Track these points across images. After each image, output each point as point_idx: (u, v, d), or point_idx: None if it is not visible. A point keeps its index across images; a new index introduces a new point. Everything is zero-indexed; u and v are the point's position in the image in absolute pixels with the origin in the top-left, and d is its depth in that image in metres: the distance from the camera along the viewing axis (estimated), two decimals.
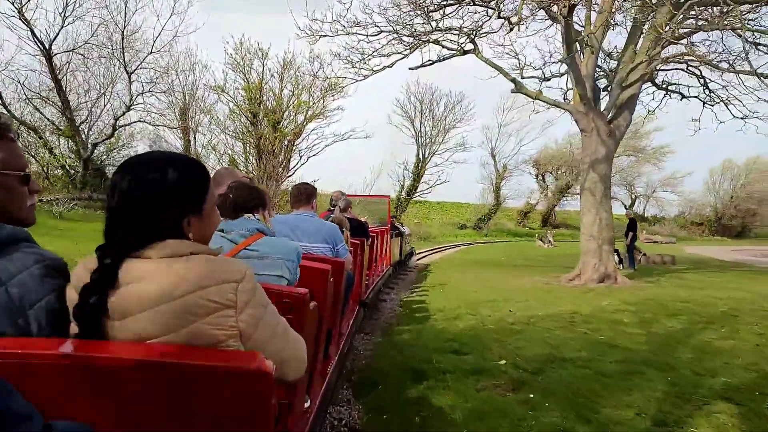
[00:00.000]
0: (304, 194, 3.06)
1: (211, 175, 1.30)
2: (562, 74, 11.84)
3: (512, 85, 11.00)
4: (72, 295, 0.98)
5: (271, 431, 0.96)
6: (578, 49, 10.21)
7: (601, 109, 10.85)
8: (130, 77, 19.70)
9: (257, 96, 22.37)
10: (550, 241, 25.28)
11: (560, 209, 43.75)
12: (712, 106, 12.15)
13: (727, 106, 11.82)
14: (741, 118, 11.55)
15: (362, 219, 6.12)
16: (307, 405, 1.96)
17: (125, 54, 19.32)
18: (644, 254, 15.36)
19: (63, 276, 1.03)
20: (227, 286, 0.97)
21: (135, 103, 19.87)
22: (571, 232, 40.16)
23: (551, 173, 42.38)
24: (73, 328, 0.98)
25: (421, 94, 32.83)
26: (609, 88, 11.17)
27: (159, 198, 1.00)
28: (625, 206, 48.69)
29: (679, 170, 46.15)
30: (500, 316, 6.21)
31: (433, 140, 32.67)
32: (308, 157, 23.29)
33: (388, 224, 10.28)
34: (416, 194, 32.17)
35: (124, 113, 19.77)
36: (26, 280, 0.96)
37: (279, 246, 1.86)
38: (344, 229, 3.71)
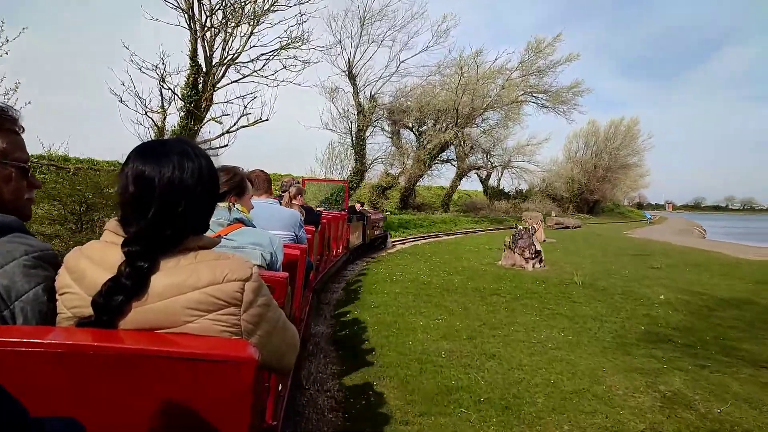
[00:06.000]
0: (264, 182, 3.08)
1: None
2: None
3: None
4: (64, 282, 0.96)
5: (256, 416, 0.94)
6: None
7: None
8: None
9: None
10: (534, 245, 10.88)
11: (420, 184, 30.62)
12: None
13: None
14: None
15: (319, 209, 7.22)
16: (279, 388, 1.96)
17: None
18: None
19: (53, 267, 1.00)
20: (234, 284, 0.95)
21: None
22: (451, 216, 27.68)
23: (409, 128, 28.64)
24: (66, 316, 0.95)
25: None
26: None
27: (204, 188, 0.99)
28: (481, 180, 39.26)
29: (535, 135, 38.75)
30: None
31: (229, 21, 14.37)
32: None
33: (345, 209, 10.06)
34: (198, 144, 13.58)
35: None
36: (14, 271, 0.93)
37: (258, 236, 1.88)
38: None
